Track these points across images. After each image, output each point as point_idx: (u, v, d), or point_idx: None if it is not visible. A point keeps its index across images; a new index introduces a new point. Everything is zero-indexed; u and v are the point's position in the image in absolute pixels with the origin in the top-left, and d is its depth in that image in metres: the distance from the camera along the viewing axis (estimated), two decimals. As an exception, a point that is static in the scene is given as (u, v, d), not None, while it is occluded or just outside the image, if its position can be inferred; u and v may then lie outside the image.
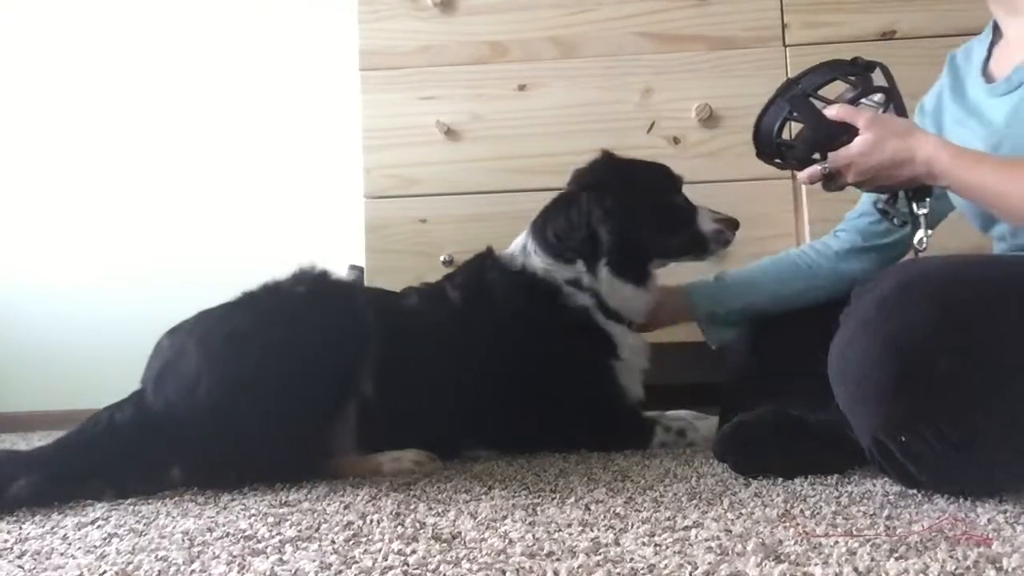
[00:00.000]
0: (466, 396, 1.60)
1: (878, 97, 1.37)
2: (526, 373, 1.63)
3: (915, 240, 1.29)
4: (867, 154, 1.26)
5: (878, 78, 1.38)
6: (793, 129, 1.39)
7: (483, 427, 1.64)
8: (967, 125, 1.40)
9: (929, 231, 1.29)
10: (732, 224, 1.74)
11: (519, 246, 1.78)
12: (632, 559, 0.86)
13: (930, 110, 1.50)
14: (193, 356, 1.40)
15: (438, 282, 1.79)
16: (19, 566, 0.95)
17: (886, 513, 1.01)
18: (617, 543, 0.92)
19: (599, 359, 1.70)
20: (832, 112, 1.30)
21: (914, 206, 1.30)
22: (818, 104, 1.34)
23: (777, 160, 1.40)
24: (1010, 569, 0.77)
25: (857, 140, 1.27)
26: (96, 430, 1.38)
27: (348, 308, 1.52)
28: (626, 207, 1.69)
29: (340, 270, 2.34)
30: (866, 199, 1.57)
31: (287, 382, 1.38)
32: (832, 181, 1.33)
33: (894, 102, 1.36)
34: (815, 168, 1.32)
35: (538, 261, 1.73)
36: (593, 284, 1.70)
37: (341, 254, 2.37)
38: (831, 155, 1.29)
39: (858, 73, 1.37)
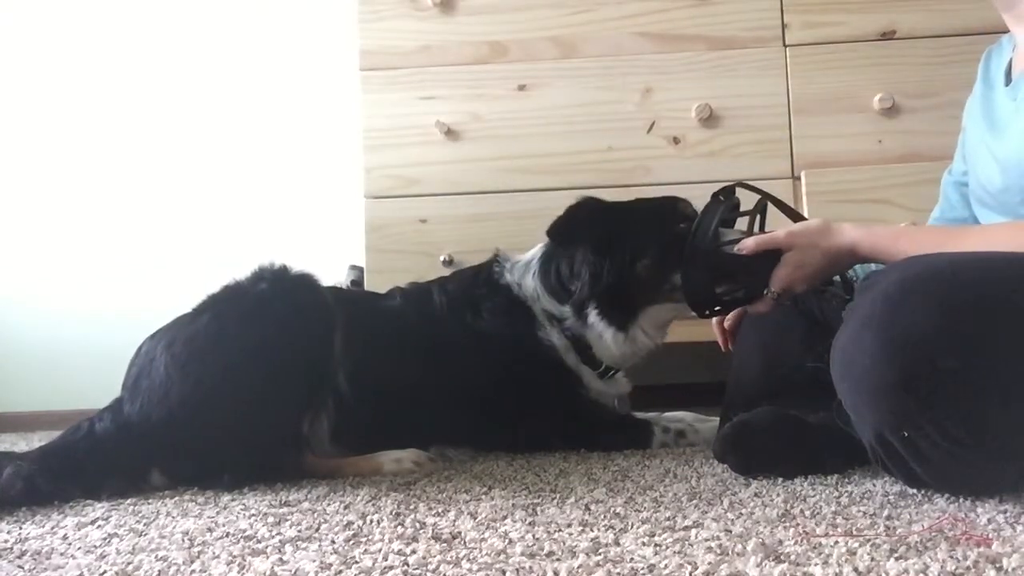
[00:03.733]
0: (439, 398, 1.60)
1: (750, 213, 1.49)
2: (493, 383, 1.63)
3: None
4: (802, 266, 1.37)
5: (735, 195, 1.49)
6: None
7: (458, 430, 1.63)
8: (982, 135, 1.41)
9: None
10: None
11: (525, 261, 1.75)
12: (632, 559, 0.86)
13: (978, 112, 1.47)
14: (161, 362, 1.41)
15: (429, 283, 1.79)
16: (19, 566, 0.95)
17: (886, 513, 1.01)
18: (617, 543, 0.92)
19: (562, 389, 1.68)
20: (750, 246, 1.40)
21: (849, 273, 1.41)
22: (732, 248, 1.43)
23: (717, 310, 1.52)
24: (1010, 569, 0.77)
25: (789, 258, 1.37)
26: (76, 437, 1.40)
27: (310, 300, 1.51)
28: (618, 261, 1.62)
29: (340, 270, 2.36)
30: (950, 190, 1.58)
31: (253, 379, 1.39)
32: (783, 299, 1.41)
33: (770, 200, 1.50)
34: (767, 299, 1.41)
35: (531, 284, 1.71)
36: (575, 326, 1.67)
37: (341, 254, 2.37)
38: (772, 281, 1.38)
39: (727, 199, 1.48)
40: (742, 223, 1.52)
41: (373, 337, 1.59)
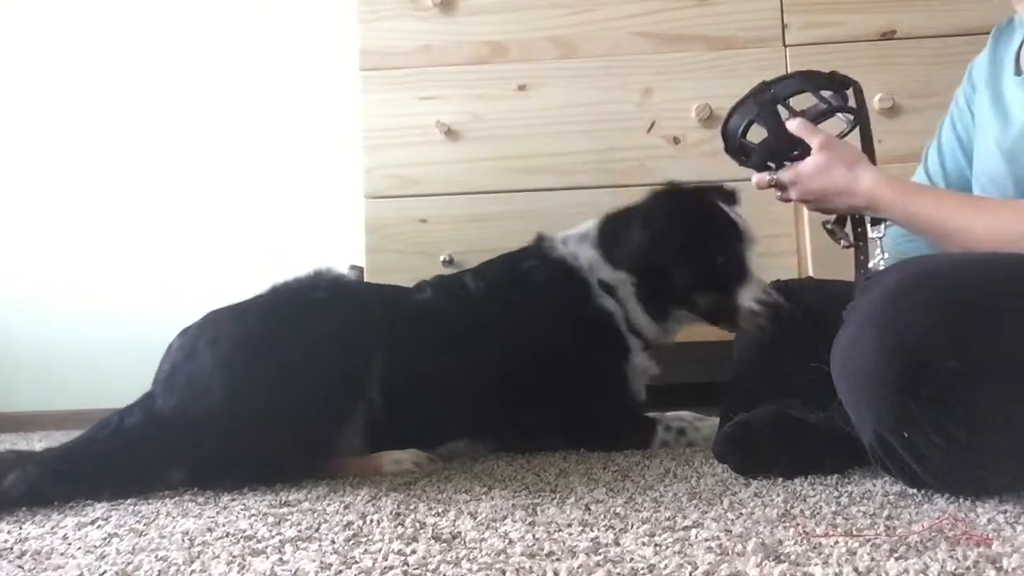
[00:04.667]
0: (473, 390, 1.59)
1: (845, 118, 1.40)
2: (539, 358, 1.62)
3: (871, 264, 1.34)
4: (812, 177, 1.31)
5: (851, 98, 1.39)
6: (759, 132, 1.40)
7: (483, 423, 1.63)
8: (987, 117, 1.40)
9: (886, 255, 1.33)
10: (781, 311, 1.57)
11: (580, 233, 1.76)
12: (632, 559, 0.86)
13: (984, 79, 1.45)
14: (205, 357, 1.41)
15: (459, 274, 1.79)
16: (19, 566, 0.95)
17: (886, 513, 1.01)
18: (617, 543, 0.92)
19: (613, 357, 1.69)
20: (792, 126, 1.34)
21: (868, 228, 1.35)
22: (784, 113, 1.37)
23: (742, 157, 1.43)
24: (1010, 569, 0.77)
25: (806, 161, 1.32)
26: (103, 433, 1.38)
27: (359, 310, 1.51)
28: (673, 240, 1.62)
29: (340, 270, 2.35)
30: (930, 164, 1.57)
31: (298, 386, 1.39)
32: (781, 190, 1.36)
33: (860, 124, 1.39)
34: (763, 176, 1.37)
35: (588, 254, 1.71)
36: (626, 301, 1.69)
37: (341, 254, 2.37)
38: (783, 170, 1.34)
39: (832, 89, 1.39)
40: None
41: (416, 341, 1.58)
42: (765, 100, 1.37)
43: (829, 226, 1.42)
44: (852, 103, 1.39)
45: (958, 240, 1.25)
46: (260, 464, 1.36)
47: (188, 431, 1.36)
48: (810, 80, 1.39)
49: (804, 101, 1.40)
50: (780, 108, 1.37)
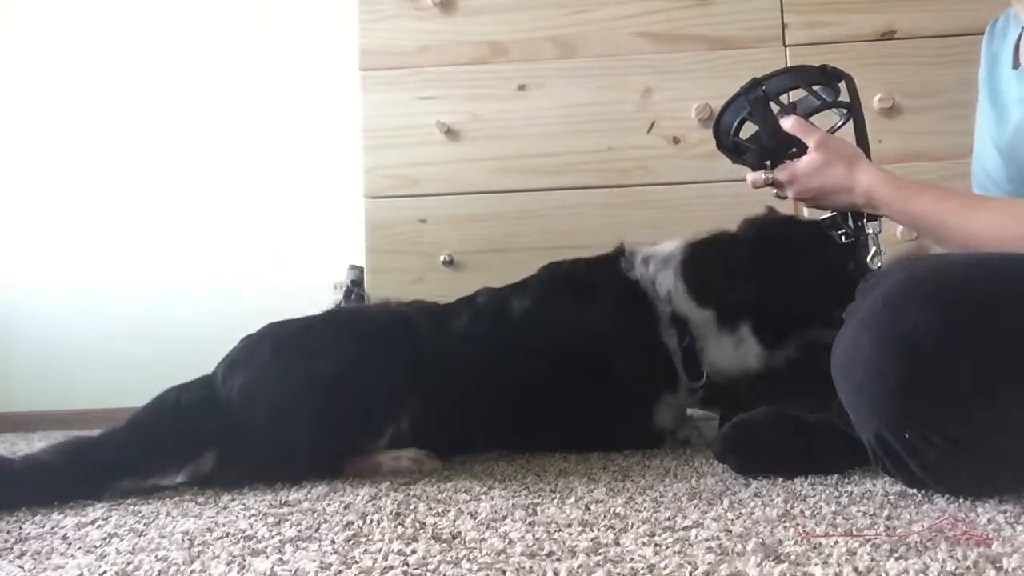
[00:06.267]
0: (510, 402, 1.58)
1: (839, 112, 1.39)
2: (581, 379, 1.58)
3: (867, 260, 1.33)
4: (809, 175, 1.30)
5: (843, 90, 1.38)
6: (751, 129, 1.40)
7: (515, 438, 1.63)
8: (984, 114, 1.39)
9: (882, 250, 1.32)
10: None
11: (664, 255, 1.63)
12: (632, 559, 0.85)
13: (984, 90, 1.44)
14: (266, 356, 1.48)
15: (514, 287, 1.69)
16: (19, 566, 0.95)
17: (886, 513, 1.01)
18: (617, 543, 0.92)
19: (658, 393, 1.61)
20: (787, 124, 1.33)
21: (864, 224, 1.33)
22: (777, 111, 1.35)
23: (736, 156, 1.42)
24: (1010, 569, 0.77)
25: (803, 160, 1.31)
26: (163, 407, 1.45)
27: (413, 345, 1.55)
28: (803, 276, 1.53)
29: (340, 270, 2.36)
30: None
31: (344, 404, 1.44)
32: (778, 189, 1.36)
33: (854, 118, 1.38)
34: (759, 175, 1.36)
35: (668, 281, 1.59)
36: (701, 333, 1.58)
37: (341, 254, 2.37)
38: (778, 167, 1.33)
39: (824, 83, 1.37)
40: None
41: (458, 366, 1.56)
42: (758, 97, 1.35)
43: (827, 222, 1.41)
44: (845, 96, 1.37)
45: (957, 238, 1.24)
46: (284, 462, 1.40)
47: (228, 417, 1.42)
48: (802, 75, 1.38)
49: (796, 96, 1.40)
50: (772, 105, 1.36)
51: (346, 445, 1.46)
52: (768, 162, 1.37)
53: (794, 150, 1.33)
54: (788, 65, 1.41)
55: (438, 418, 1.52)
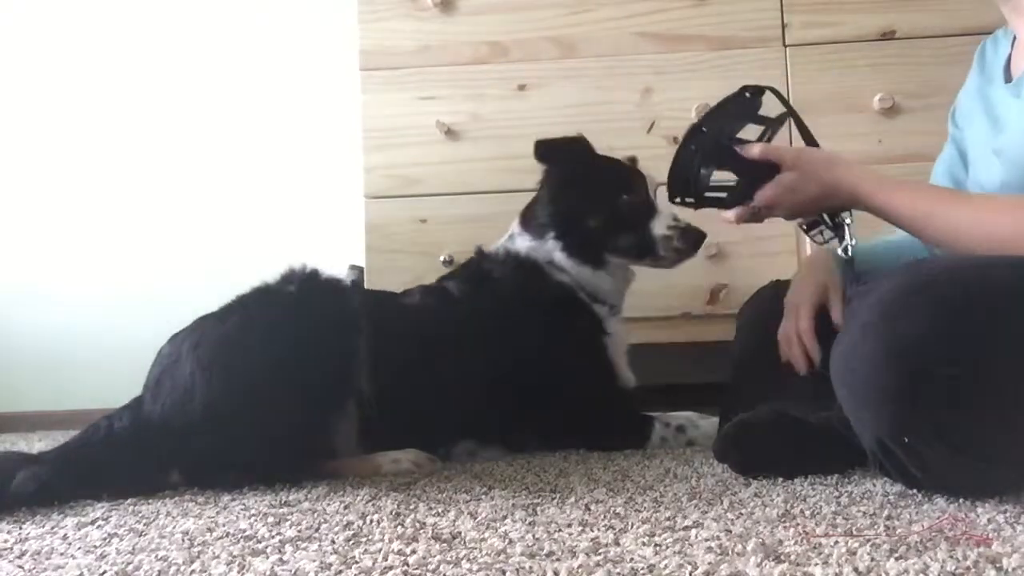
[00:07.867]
0: (465, 388, 1.59)
1: (770, 124, 1.40)
2: (521, 350, 1.65)
3: (840, 249, 1.34)
4: (795, 191, 1.31)
5: (770, 100, 1.40)
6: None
7: (481, 421, 1.63)
8: (975, 122, 1.40)
9: (855, 240, 1.33)
10: (690, 234, 1.74)
11: (506, 235, 1.84)
12: (632, 559, 0.86)
13: (977, 109, 1.45)
14: (187, 363, 1.41)
15: (437, 281, 1.83)
16: (19, 566, 0.95)
17: (886, 513, 1.01)
18: (617, 543, 0.92)
19: (588, 334, 1.74)
20: (755, 153, 1.34)
21: (841, 218, 1.34)
22: (737, 145, 1.36)
23: (689, 201, 1.40)
24: (1010, 569, 0.77)
25: (784, 178, 1.31)
26: (95, 438, 1.39)
27: (338, 305, 1.51)
28: (574, 190, 1.77)
29: (340, 270, 2.35)
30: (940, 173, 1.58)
31: (280, 384, 1.38)
32: (756, 217, 1.36)
33: (794, 120, 1.41)
34: (739, 210, 1.35)
35: (521, 242, 1.80)
36: (563, 263, 1.76)
37: (341, 254, 2.37)
38: (758, 195, 1.33)
39: (755, 105, 1.39)
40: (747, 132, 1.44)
41: (397, 337, 1.59)
42: (720, 145, 1.36)
43: (804, 226, 1.41)
44: (771, 109, 1.40)
45: (942, 233, 1.22)
46: (252, 464, 1.36)
47: (174, 436, 1.37)
48: (736, 109, 1.39)
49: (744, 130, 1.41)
50: (725, 143, 1.36)
51: (310, 429, 1.40)
52: (747, 201, 1.35)
53: (766, 174, 1.33)
54: (713, 105, 1.41)
55: (386, 403, 1.50)
